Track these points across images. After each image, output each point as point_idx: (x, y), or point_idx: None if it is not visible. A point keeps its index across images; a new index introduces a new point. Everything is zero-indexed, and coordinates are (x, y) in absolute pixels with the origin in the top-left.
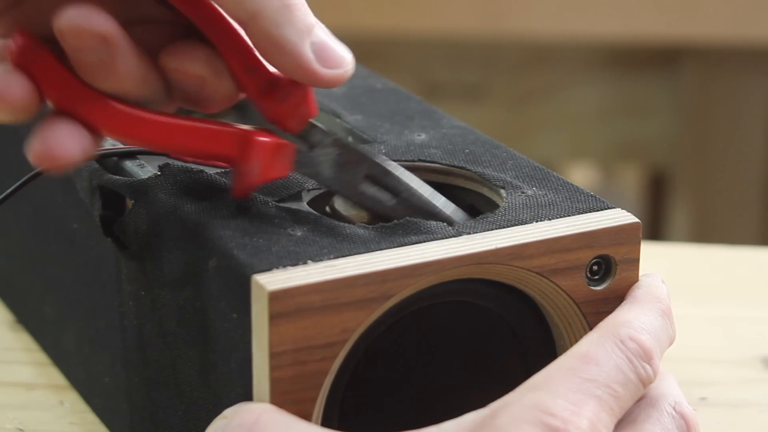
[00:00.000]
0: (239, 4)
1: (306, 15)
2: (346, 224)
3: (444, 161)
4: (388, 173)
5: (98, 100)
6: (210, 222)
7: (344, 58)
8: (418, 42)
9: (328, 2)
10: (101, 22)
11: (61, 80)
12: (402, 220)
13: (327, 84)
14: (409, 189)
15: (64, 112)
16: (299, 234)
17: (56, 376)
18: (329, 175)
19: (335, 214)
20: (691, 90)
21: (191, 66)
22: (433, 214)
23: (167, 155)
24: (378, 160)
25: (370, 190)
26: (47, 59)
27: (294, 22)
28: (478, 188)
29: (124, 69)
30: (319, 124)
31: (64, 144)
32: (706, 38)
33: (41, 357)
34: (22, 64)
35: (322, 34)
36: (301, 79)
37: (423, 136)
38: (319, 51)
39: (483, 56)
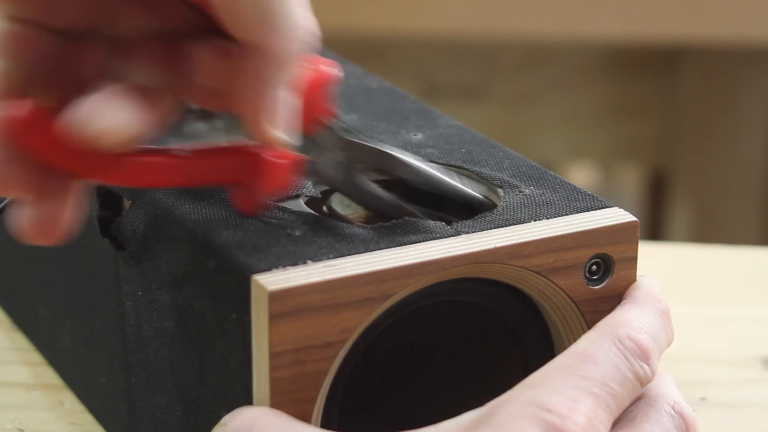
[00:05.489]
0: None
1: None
2: (345, 224)
3: (441, 161)
4: (394, 160)
5: (110, 158)
6: (208, 222)
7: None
8: (418, 42)
9: (329, 2)
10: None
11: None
12: (401, 219)
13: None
14: (419, 172)
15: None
16: (298, 234)
17: (56, 377)
18: (339, 179)
19: (333, 214)
20: (691, 90)
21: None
22: (451, 191)
23: None
24: (384, 149)
25: (377, 189)
26: (53, 128)
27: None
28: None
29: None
30: (331, 125)
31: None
32: (706, 38)
33: (41, 357)
34: (26, 136)
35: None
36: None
37: (419, 136)
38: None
39: (483, 56)
